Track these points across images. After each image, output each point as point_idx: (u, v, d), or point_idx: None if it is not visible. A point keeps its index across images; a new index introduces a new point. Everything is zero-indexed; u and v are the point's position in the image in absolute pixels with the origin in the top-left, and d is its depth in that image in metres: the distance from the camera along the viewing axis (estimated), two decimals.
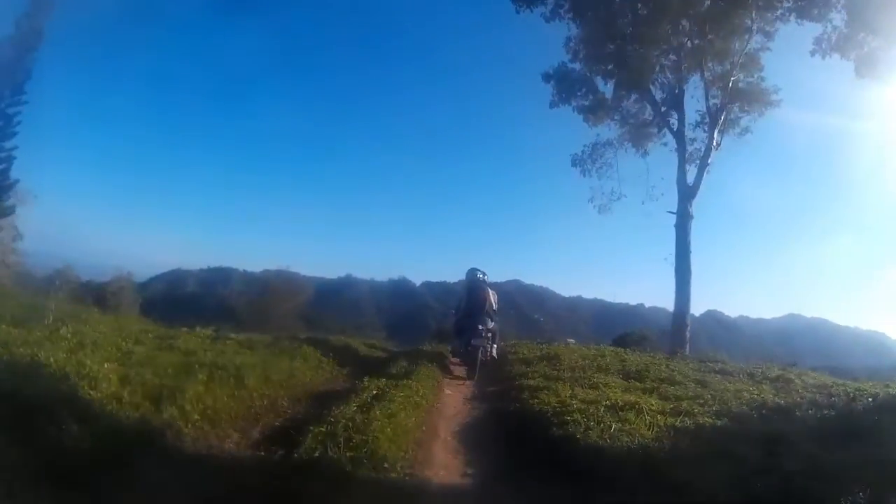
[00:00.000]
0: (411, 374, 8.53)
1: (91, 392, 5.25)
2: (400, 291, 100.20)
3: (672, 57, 19.22)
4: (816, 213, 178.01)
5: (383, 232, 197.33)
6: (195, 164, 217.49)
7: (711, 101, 18.85)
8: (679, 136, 18.76)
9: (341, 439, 4.89)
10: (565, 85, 19.62)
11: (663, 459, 4.98)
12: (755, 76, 19.24)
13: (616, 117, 20.27)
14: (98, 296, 37.38)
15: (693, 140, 19.17)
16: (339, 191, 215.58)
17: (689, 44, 18.85)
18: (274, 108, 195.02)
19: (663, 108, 19.32)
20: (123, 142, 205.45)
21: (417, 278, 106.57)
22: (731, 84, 18.68)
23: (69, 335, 7.30)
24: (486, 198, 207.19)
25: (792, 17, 17.94)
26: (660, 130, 19.81)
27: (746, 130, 19.89)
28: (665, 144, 20.05)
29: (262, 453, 5.19)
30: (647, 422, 6.20)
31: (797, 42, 19.23)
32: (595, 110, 19.80)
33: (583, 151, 20.94)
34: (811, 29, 17.78)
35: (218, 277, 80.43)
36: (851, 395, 7.73)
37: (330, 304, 70.86)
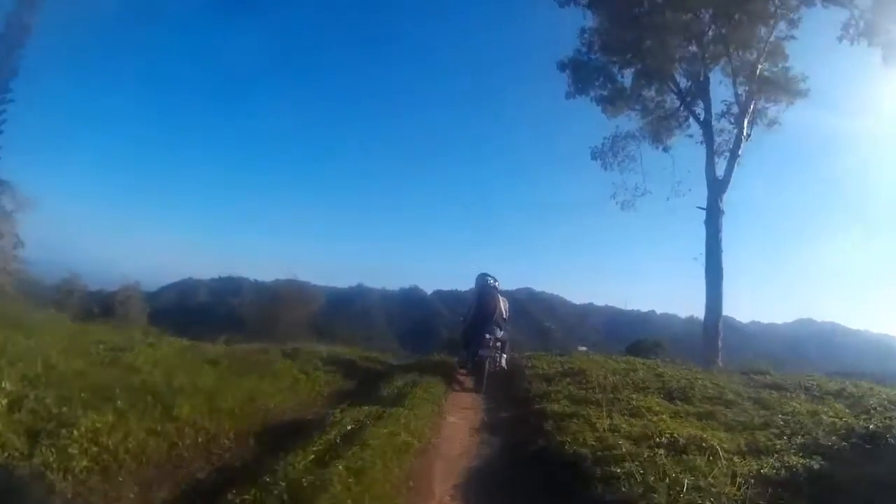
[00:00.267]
0: (405, 398, 6.63)
1: None
2: (411, 300, 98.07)
3: (694, 46, 17.43)
4: (828, 214, 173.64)
5: (394, 242, 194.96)
6: (206, 171, 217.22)
7: (740, 88, 17.06)
8: (706, 125, 17.00)
9: None
10: (582, 74, 17.85)
11: None
12: (779, 66, 17.58)
13: (637, 107, 18.46)
14: (105, 305, 36.14)
15: (721, 131, 17.47)
16: (351, 200, 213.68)
17: (711, 31, 17.07)
18: (281, 111, 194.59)
19: (688, 98, 17.41)
20: (131, 146, 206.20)
21: (428, 287, 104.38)
22: (757, 72, 16.99)
23: None
24: (497, 205, 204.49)
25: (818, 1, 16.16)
26: (684, 121, 18.12)
27: (774, 122, 18.42)
28: (690, 136, 18.41)
29: None
30: (725, 469, 4.28)
31: (820, 38, 17.61)
32: (614, 100, 18.00)
33: (603, 144, 19.21)
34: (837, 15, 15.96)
35: (229, 287, 78.45)
36: None
37: (341, 313, 69.46)
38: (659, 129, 18.48)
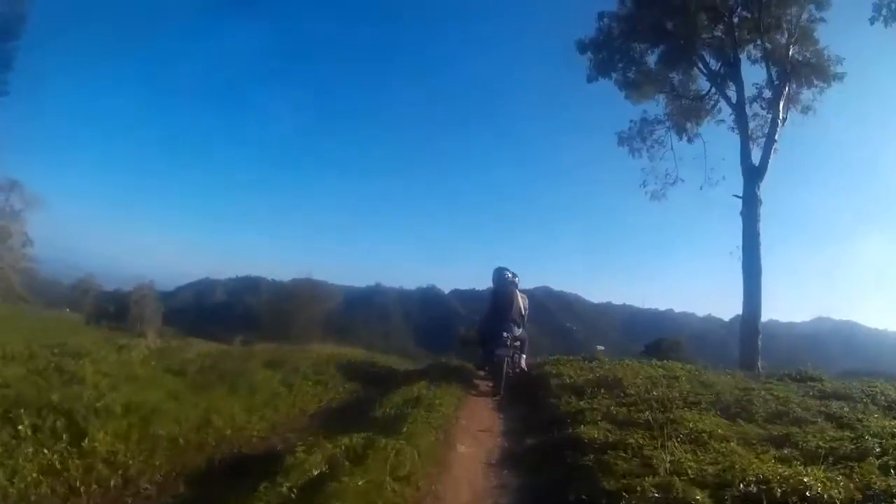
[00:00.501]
0: (403, 422, 5.03)
1: None
2: (428, 299, 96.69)
3: (722, 27, 15.77)
4: (850, 210, 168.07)
5: (412, 241, 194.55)
6: (228, 172, 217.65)
7: (773, 70, 15.36)
8: (739, 109, 15.24)
9: None
10: (605, 54, 16.15)
11: None
12: (811, 49, 15.88)
13: (665, 89, 16.67)
14: (120, 305, 35.43)
15: (754, 115, 15.76)
16: (370, 201, 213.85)
17: (739, 11, 15.58)
18: (301, 110, 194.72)
19: (718, 80, 15.75)
20: (148, 146, 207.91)
21: (446, 286, 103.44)
22: (790, 54, 15.38)
23: None
24: (515, 205, 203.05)
25: None
26: (714, 105, 16.40)
27: (808, 108, 16.51)
28: (721, 121, 16.68)
29: None
30: None
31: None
32: (639, 84, 16.31)
33: (630, 127, 17.42)
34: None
35: (246, 286, 77.34)
36: None
37: (359, 312, 68.66)
38: (687, 113, 16.78)
